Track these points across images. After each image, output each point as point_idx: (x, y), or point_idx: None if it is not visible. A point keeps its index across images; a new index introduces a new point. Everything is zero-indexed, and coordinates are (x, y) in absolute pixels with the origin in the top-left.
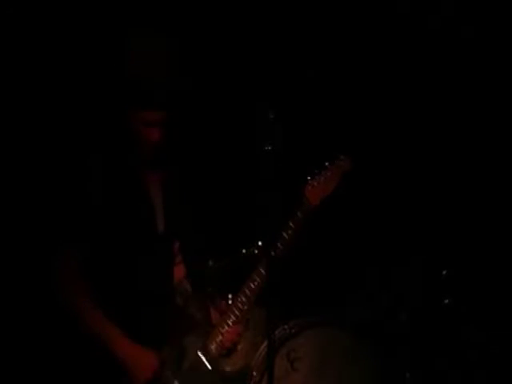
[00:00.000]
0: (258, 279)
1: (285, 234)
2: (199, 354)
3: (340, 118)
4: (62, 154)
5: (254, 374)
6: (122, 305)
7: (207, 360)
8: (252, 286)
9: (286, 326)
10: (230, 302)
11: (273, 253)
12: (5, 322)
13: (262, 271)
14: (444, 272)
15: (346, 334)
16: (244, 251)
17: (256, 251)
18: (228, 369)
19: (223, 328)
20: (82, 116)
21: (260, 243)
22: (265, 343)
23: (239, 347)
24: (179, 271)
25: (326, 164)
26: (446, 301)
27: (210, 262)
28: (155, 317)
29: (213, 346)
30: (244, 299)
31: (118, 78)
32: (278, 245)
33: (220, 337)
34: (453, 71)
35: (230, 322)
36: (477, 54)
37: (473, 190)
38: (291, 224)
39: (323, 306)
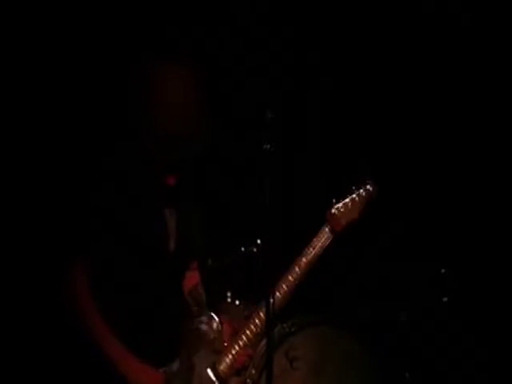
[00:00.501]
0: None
1: (304, 259)
2: (209, 372)
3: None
4: (79, 167)
5: (253, 372)
6: (129, 321)
7: (216, 379)
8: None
9: (284, 325)
10: (228, 300)
11: (290, 277)
12: (12, 330)
13: (278, 294)
14: (443, 270)
15: (345, 333)
16: (243, 249)
17: (255, 250)
18: None
19: (234, 349)
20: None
21: (259, 241)
22: (263, 342)
23: (249, 368)
24: (194, 277)
25: (353, 188)
26: (445, 299)
27: (209, 261)
28: (163, 333)
29: (223, 366)
30: (257, 322)
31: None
32: (296, 269)
33: (230, 357)
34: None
35: (241, 344)
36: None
37: (472, 190)
38: (309, 249)
39: (322, 305)
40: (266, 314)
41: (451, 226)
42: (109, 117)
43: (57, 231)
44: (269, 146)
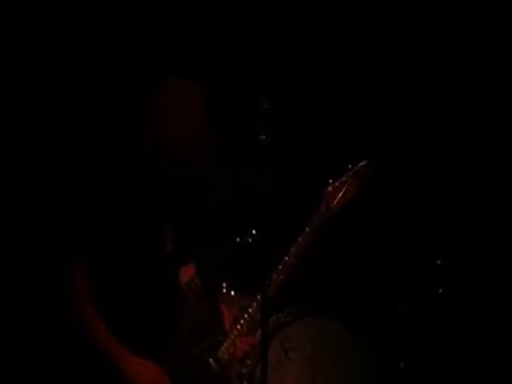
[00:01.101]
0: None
1: (300, 240)
2: (211, 362)
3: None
4: (80, 168)
5: (248, 362)
6: (129, 317)
7: (219, 368)
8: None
9: (280, 315)
10: (224, 290)
11: (287, 258)
12: (11, 330)
13: (275, 277)
14: (438, 261)
15: (340, 323)
16: (238, 240)
17: (250, 240)
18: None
19: (236, 337)
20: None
21: (254, 232)
22: (258, 332)
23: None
24: (190, 269)
25: (349, 166)
26: (441, 290)
27: (205, 252)
28: (163, 328)
29: (224, 355)
30: (257, 307)
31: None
32: (292, 250)
33: (232, 346)
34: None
35: (242, 331)
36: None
37: (468, 181)
38: (307, 229)
39: (318, 295)
40: (262, 302)
41: (448, 216)
42: (112, 118)
43: (57, 231)
44: (264, 136)
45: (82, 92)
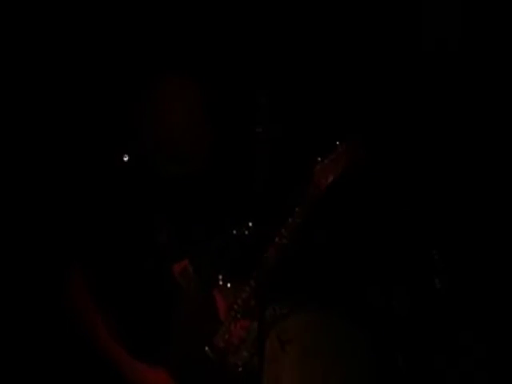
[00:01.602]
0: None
1: (291, 220)
2: (207, 350)
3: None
4: (79, 166)
5: (245, 354)
6: (122, 313)
7: (215, 357)
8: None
9: (276, 307)
10: (220, 282)
11: (278, 239)
12: (14, 334)
13: (267, 257)
14: (434, 252)
15: (337, 316)
16: (234, 232)
17: (246, 232)
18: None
19: (230, 324)
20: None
21: (250, 224)
22: (255, 325)
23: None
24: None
25: (337, 143)
26: (437, 281)
27: (201, 244)
28: (160, 321)
29: (221, 343)
30: (251, 292)
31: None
32: (283, 231)
33: (228, 333)
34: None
35: (237, 317)
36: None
37: (464, 173)
38: (297, 209)
39: (315, 290)
40: (257, 288)
41: (446, 207)
42: (112, 118)
43: (53, 235)
44: (261, 129)
45: (82, 92)
